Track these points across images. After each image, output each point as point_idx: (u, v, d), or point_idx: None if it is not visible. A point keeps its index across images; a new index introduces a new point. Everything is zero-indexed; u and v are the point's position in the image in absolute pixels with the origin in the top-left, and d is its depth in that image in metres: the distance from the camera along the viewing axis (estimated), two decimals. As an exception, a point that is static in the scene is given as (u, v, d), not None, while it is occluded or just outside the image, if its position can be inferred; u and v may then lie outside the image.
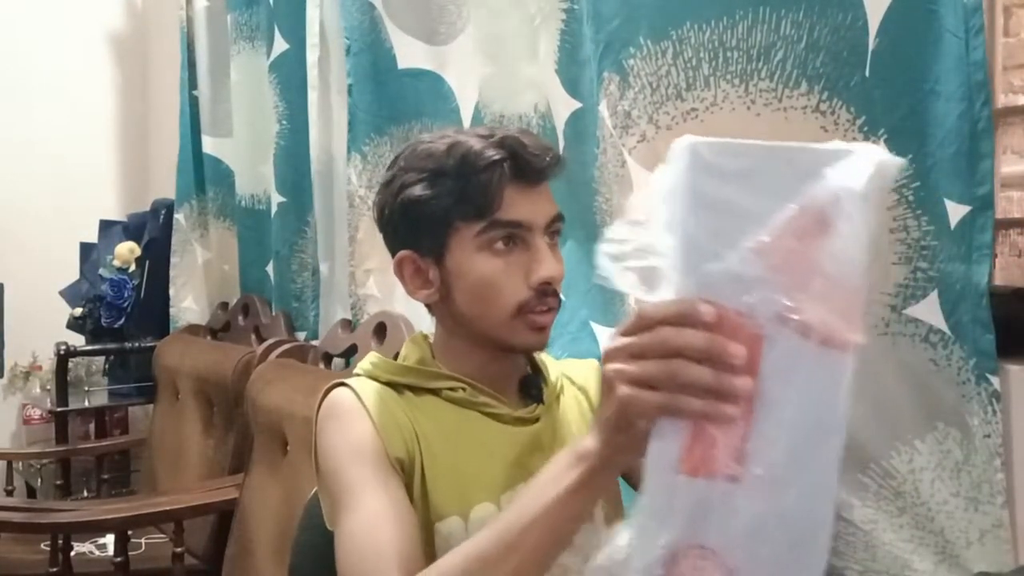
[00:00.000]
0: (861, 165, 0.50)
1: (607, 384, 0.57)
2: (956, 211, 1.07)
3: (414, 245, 0.93)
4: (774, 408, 0.52)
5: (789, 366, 0.51)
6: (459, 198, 0.87)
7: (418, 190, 0.89)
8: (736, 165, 0.51)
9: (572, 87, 1.47)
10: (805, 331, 0.50)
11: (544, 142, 0.91)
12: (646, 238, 0.54)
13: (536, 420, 0.94)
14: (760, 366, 0.51)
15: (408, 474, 0.86)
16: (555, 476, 0.64)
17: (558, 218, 0.91)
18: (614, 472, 0.65)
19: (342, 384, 0.92)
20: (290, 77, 2.23)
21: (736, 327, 0.51)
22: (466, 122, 1.73)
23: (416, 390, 0.92)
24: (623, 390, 0.55)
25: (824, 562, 0.53)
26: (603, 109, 1.34)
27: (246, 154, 2.56)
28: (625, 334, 0.56)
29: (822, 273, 0.50)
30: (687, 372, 0.53)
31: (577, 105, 1.47)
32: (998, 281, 1.11)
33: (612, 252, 0.55)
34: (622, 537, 0.54)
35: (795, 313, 0.50)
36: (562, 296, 0.94)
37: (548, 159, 0.89)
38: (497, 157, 0.86)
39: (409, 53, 1.85)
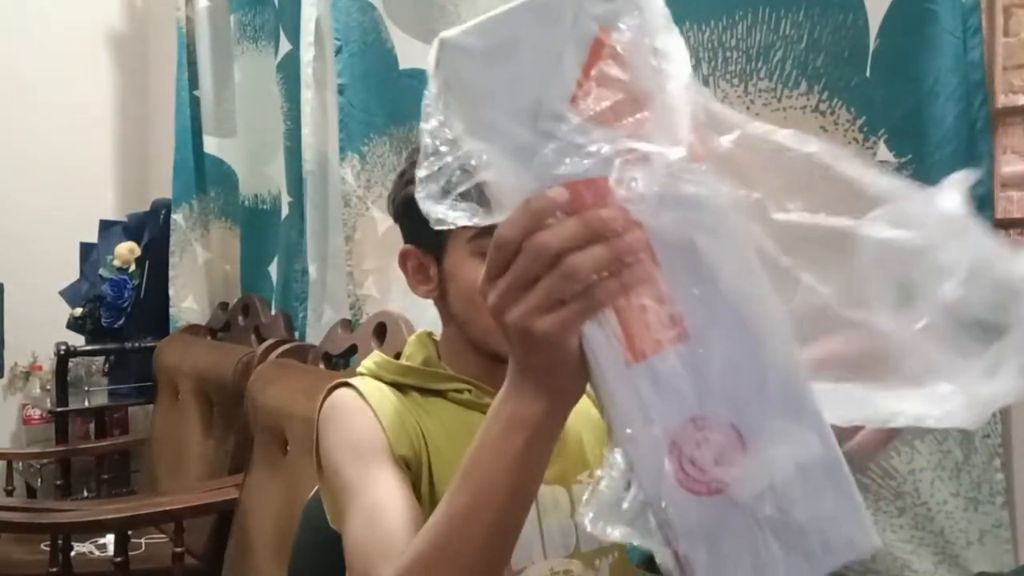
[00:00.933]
0: None
1: (517, 336, 0.51)
2: (956, 211, 1.06)
3: (417, 240, 0.93)
4: (673, 252, 0.48)
5: None
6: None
7: None
8: (495, 40, 0.48)
9: None
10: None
11: None
12: (456, 158, 0.50)
13: None
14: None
15: (415, 474, 0.86)
16: (498, 448, 0.57)
17: None
18: (560, 427, 0.58)
19: (345, 384, 0.91)
20: (295, 77, 2.24)
21: (597, 195, 0.48)
22: None
23: (422, 391, 0.92)
24: (541, 327, 0.49)
25: (807, 397, 0.49)
26: None
27: (250, 154, 2.56)
28: (497, 273, 0.51)
29: (642, 96, 0.48)
30: (582, 264, 0.48)
31: None
32: (998, 281, 1.11)
33: (431, 191, 0.50)
34: (614, 461, 0.50)
35: (640, 149, 0.47)
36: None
37: None
38: None
39: (410, 53, 1.85)
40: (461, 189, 0.50)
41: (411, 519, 0.78)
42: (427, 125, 0.50)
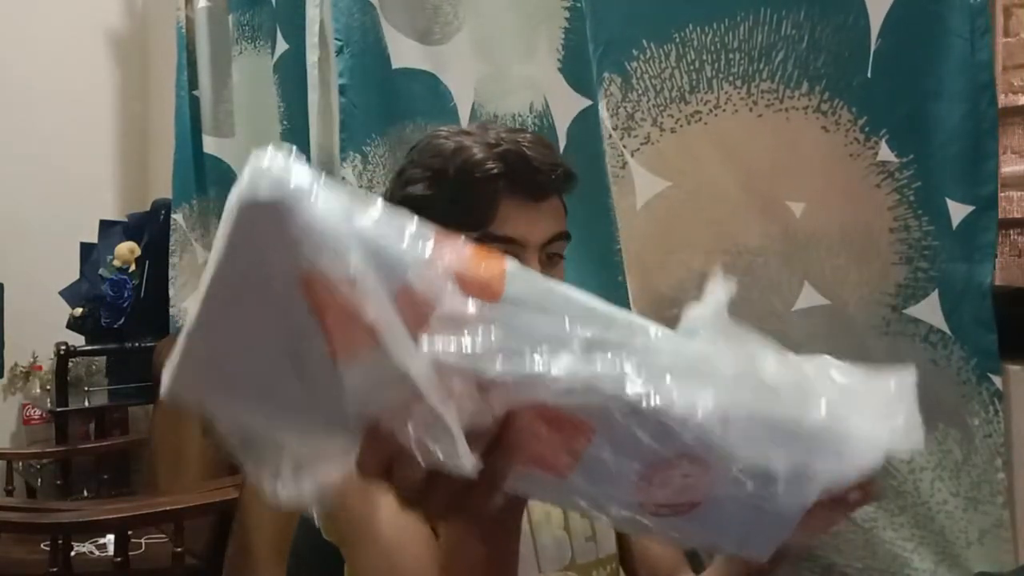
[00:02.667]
0: None
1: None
2: (958, 211, 1.07)
3: None
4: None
5: None
6: (455, 205, 0.85)
7: (419, 189, 0.88)
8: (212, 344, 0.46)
9: (580, 84, 1.47)
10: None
11: (553, 157, 0.87)
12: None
13: None
14: None
15: None
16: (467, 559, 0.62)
17: (559, 236, 0.87)
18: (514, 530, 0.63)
19: None
20: (291, 78, 2.24)
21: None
22: (464, 122, 1.73)
23: None
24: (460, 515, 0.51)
25: None
26: (603, 110, 1.34)
27: (248, 154, 2.55)
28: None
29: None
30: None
31: (587, 103, 1.47)
32: (999, 281, 1.12)
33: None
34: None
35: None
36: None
37: (554, 176, 0.85)
38: (495, 171, 0.83)
39: (403, 52, 1.85)
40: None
41: (424, 546, 0.77)
42: None
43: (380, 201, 0.46)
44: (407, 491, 0.49)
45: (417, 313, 0.44)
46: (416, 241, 0.45)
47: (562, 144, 1.49)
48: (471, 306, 0.44)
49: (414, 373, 0.43)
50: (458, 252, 0.46)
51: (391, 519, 0.78)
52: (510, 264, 0.48)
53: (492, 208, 0.83)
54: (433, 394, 0.43)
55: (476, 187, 0.84)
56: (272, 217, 0.43)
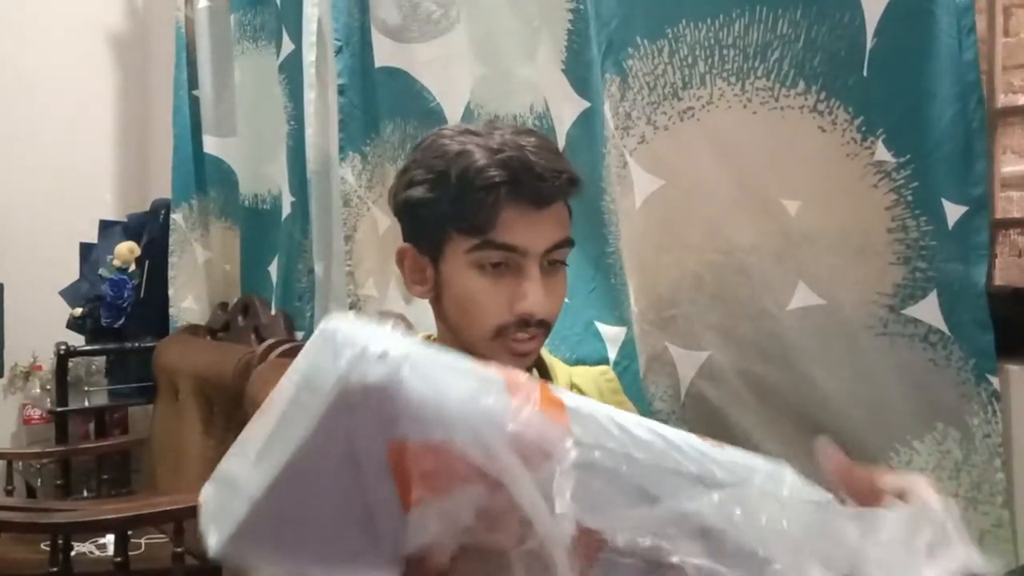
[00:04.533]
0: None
1: None
2: (954, 211, 1.06)
3: (415, 241, 0.92)
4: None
5: None
6: (457, 209, 0.85)
7: (420, 191, 0.88)
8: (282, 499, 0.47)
9: (582, 87, 1.47)
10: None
11: (559, 163, 0.86)
12: None
13: None
14: None
15: None
16: None
17: (562, 244, 0.87)
18: None
19: None
20: (297, 78, 2.24)
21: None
22: (451, 123, 1.73)
23: None
24: None
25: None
26: (606, 110, 1.34)
27: (250, 154, 2.56)
28: None
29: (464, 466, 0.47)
30: None
31: (586, 104, 1.46)
32: (998, 281, 1.11)
33: None
34: None
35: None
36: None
37: (558, 183, 0.85)
38: (496, 179, 0.83)
39: (396, 53, 1.85)
40: None
41: None
42: None
43: (452, 354, 0.51)
44: None
45: (527, 457, 0.48)
46: (501, 394, 0.49)
47: (562, 145, 1.49)
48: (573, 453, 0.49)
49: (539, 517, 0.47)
50: (533, 398, 0.50)
51: None
52: (568, 402, 0.52)
53: (493, 215, 0.83)
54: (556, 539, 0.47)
55: (477, 194, 0.83)
56: (372, 397, 0.46)
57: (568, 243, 0.89)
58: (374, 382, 0.45)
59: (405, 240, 0.94)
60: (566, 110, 1.50)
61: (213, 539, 0.48)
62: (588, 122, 1.46)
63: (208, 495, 0.51)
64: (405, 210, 0.91)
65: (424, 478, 0.46)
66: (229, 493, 0.49)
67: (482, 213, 0.84)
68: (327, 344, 0.47)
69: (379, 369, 0.46)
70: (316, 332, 0.49)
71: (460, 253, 0.87)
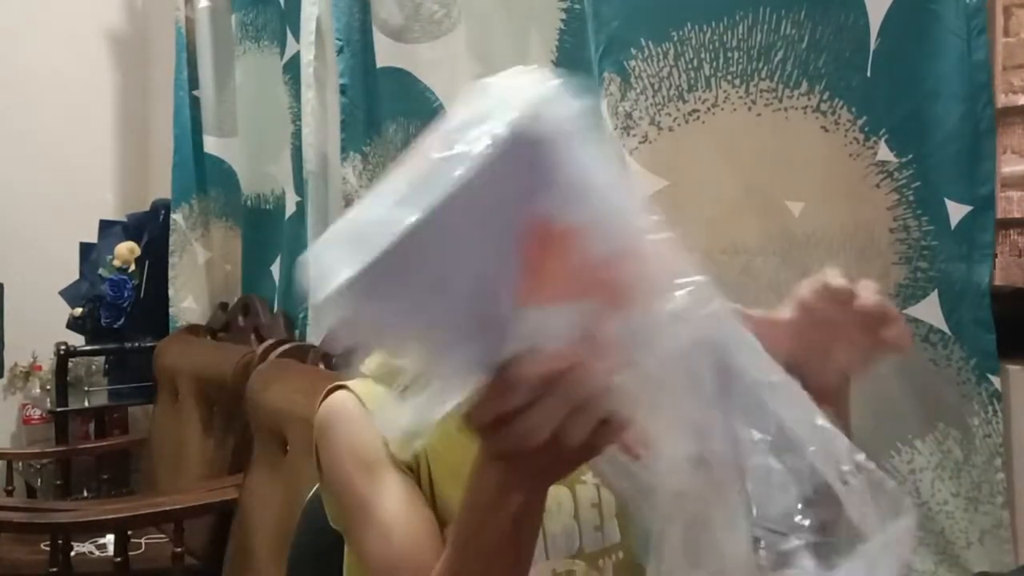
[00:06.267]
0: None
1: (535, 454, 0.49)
2: (957, 211, 1.07)
3: None
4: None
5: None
6: None
7: None
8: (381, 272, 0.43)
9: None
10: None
11: None
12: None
13: None
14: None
15: (415, 479, 0.86)
16: (477, 484, 0.58)
17: None
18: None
19: (342, 387, 0.91)
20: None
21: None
22: None
23: None
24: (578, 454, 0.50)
25: None
26: (604, 109, 1.34)
27: (252, 154, 2.56)
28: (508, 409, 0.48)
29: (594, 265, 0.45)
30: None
31: None
32: (998, 281, 1.12)
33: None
34: None
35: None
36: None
37: None
38: None
39: (399, 53, 1.85)
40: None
41: (426, 530, 0.78)
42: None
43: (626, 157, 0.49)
44: (515, 445, 0.48)
45: (655, 280, 0.46)
46: (647, 205, 0.47)
47: None
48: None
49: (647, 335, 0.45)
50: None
51: (394, 502, 0.79)
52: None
53: None
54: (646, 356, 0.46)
55: None
56: (538, 154, 0.43)
57: None
58: (549, 133, 0.42)
59: None
60: None
61: (328, 286, 0.43)
62: None
63: (320, 250, 0.45)
64: None
65: (549, 273, 0.44)
66: (354, 242, 0.44)
67: None
68: (490, 94, 0.45)
69: (547, 129, 0.42)
70: (475, 86, 0.46)
71: None
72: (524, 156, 0.43)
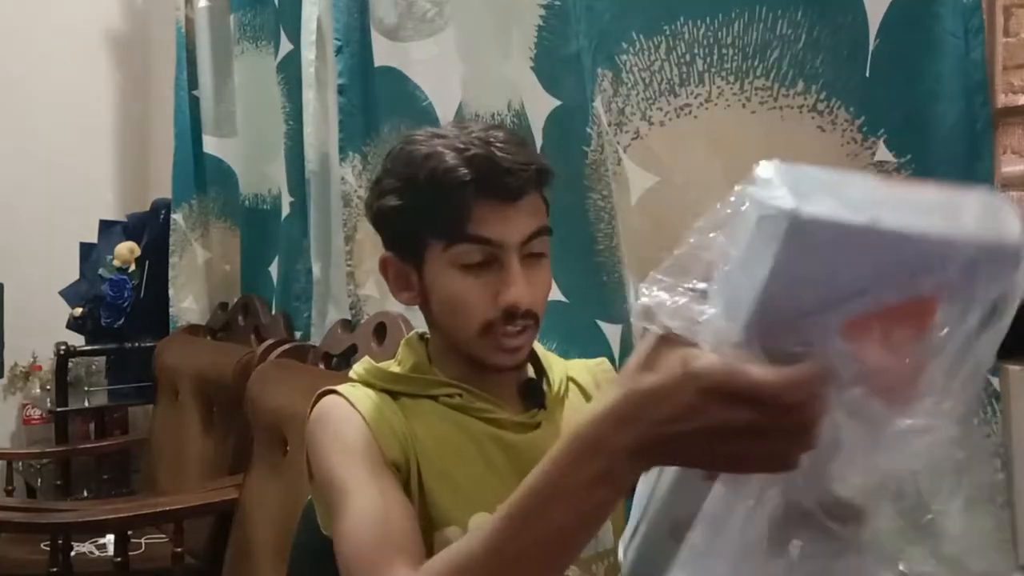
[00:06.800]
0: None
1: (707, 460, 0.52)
2: (956, 211, 1.06)
3: (395, 249, 0.92)
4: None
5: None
6: (429, 213, 0.86)
7: (392, 200, 0.89)
8: (835, 235, 0.46)
9: (551, 84, 1.46)
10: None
11: (525, 156, 0.87)
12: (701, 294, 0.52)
13: (537, 426, 0.93)
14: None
15: (404, 478, 0.86)
16: (572, 463, 0.56)
17: (539, 232, 0.88)
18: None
19: (332, 391, 0.91)
20: (295, 78, 2.24)
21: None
22: (445, 121, 1.72)
23: (413, 396, 0.92)
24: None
25: None
26: (598, 106, 1.34)
27: (250, 154, 2.56)
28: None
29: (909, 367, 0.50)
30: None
31: (556, 103, 1.46)
32: (997, 281, 1.11)
33: (659, 298, 0.52)
34: None
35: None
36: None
37: (526, 175, 0.85)
38: (466, 178, 0.83)
39: (392, 52, 1.85)
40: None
41: (412, 522, 0.78)
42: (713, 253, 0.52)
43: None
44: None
45: None
46: None
47: (539, 142, 1.48)
48: None
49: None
50: None
51: (376, 491, 0.80)
52: None
53: (465, 213, 0.84)
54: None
55: (447, 194, 0.84)
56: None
57: (545, 231, 0.89)
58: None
59: (386, 251, 0.94)
60: (538, 107, 1.49)
61: (808, 205, 0.47)
62: (562, 120, 1.45)
63: (811, 177, 0.50)
64: (381, 221, 0.92)
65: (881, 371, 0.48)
66: (837, 196, 0.48)
67: (454, 212, 0.84)
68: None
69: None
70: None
71: (439, 255, 0.87)
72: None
